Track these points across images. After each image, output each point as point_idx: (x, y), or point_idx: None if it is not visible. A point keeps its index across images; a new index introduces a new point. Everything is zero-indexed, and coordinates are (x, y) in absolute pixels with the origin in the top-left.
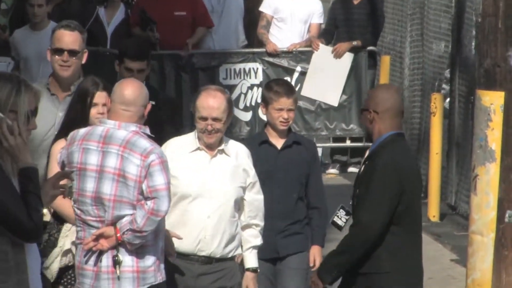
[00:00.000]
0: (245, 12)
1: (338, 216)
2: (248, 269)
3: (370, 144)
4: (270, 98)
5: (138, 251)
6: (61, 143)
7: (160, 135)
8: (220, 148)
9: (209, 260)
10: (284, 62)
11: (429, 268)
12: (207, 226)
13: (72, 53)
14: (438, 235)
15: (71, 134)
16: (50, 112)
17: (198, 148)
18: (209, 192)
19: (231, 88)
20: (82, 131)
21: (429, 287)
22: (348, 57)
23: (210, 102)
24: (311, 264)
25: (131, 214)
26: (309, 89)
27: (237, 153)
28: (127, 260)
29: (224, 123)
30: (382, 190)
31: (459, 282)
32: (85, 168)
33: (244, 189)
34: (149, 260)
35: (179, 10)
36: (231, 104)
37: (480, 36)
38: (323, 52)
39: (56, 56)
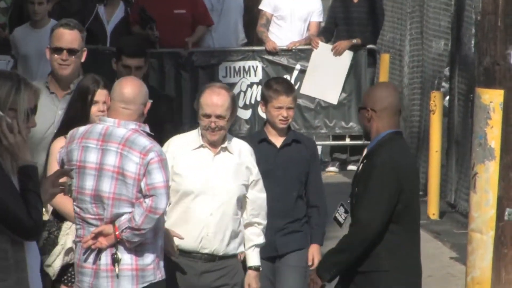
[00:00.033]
0: (244, 10)
1: (338, 213)
2: (250, 268)
3: (369, 142)
4: (269, 96)
5: (137, 249)
6: (61, 141)
7: (160, 133)
8: (223, 145)
9: (212, 257)
10: (283, 60)
11: (429, 266)
12: (209, 223)
13: (72, 52)
14: (438, 233)
15: (70, 132)
16: (50, 110)
17: (201, 146)
18: (212, 189)
19: (231, 86)
20: (82, 129)
21: (428, 285)
22: (347, 55)
23: (214, 100)
24: (310, 263)
25: (130, 212)
26: (308, 87)
27: (240, 151)
28: (126, 258)
29: (228, 121)
30: (381, 189)
31: (459, 280)
32: (85, 166)
33: (247, 187)
34: (148, 258)
35: (179, 8)
36: (235, 102)
37: (480, 34)
38: (322, 50)
39: (55, 55)
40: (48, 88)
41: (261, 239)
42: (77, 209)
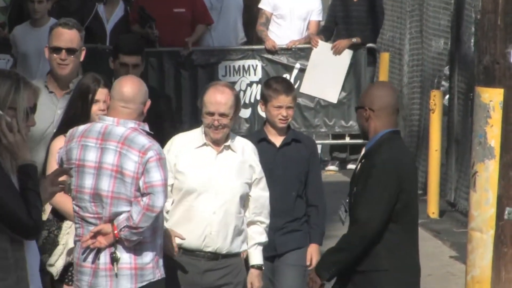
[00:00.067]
0: (244, 9)
1: (341, 211)
2: (253, 266)
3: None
4: (269, 95)
5: (136, 248)
6: (60, 139)
7: (158, 132)
8: (227, 144)
9: (215, 256)
10: (283, 59)
11: (428, 264)
12: (212, 222)
13: (70, 51)
14: (438, 231)
15: (70, 131)
16: (49, 110)
17: (205, 144)
18: (215, 188)
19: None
20: (81, 128)
21: (428, 284)
22: (347, 54)
23: (217, 98)
24: (308, 263)
25: (128, 211)
26: (308, 86)
27: (244, 149)
28: (125, 257)
29: (231, 119)
30: (381, 188)
31: (458, 279)
32: (84, 164)
33: (250, 185)
34: (147, 257)
35: (178, 7)
36: (239, 100)
37: (479, 33)
38: (322, 49)
39: (54, 55)
40: (47, 88)
41: (263, 238)
42: (76, 208)
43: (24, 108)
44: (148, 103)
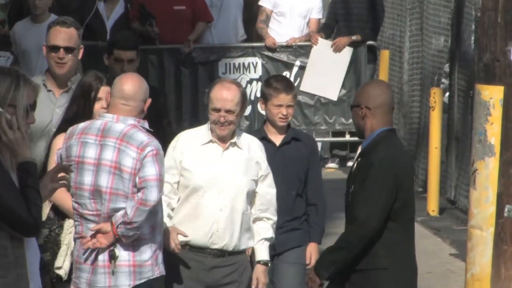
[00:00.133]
0: (244, 7)
1: None
2: (259, 262)
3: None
4: (269, 94)
5: (135, 245)
6: (62, 137)
7: (160, 130)
8: (233, 141)
9: (221, 253)
10: (283, 57)
11: (428, 262)
12: (219, 219)
13: (68, 50)
14: (438, 229)
15: (70, 129)
16: (47, 108)
17: (211, 141)
18: (221, 185)
19: None
20: (81, 125)
21: (428, 281)
22: (347, 52)
23: (224, 94)
24: (307, 262)
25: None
26: (308, 84)
27: (250, 146)
28: (124, 254)
29: (237, 116)
30: (379, 187)
31: (458, 276)
32: (83, 161)
33: (256, 182)
34: (146, 254)
35: (179, 4)
36: (245, 97)
37: (480, 31)
38: (322, 46)
39: (52, 53)
40: (45, 86)
41: (270, 233)
42: (75, 205)
43: (24, 105)
44: (149, 101)
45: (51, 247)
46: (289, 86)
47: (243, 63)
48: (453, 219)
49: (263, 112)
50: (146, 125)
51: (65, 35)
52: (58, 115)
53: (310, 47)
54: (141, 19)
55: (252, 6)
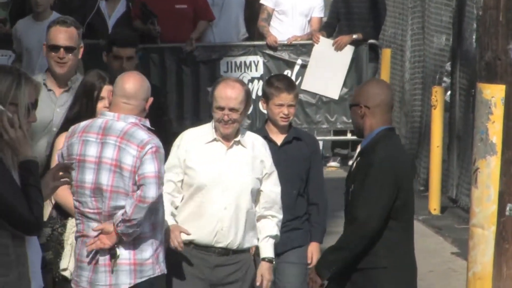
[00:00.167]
0: (245, 5)
1: None
2: (263, 259)
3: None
4: (270, 93)
5: (135, 244)
6: (64, 136)
7: (161, 129)
8: (236, 139)
9: (226, 251)
10: (285, 55)
11: (430, 261)
12: (223, 217)
13: (69, 49)
14: (439, 228)
15: (72, 127)
16: (48, 107)
17: (215, 139)
18: (225, 183)
19: None
20: (83, 124)
21: (429, 280)
22: (349, 50)
23: (228, 93)
24: (309, 261)
25: None
26: (309, 83)
27: (254, 144)
28: (124, 252)
29: (241, 114)
30: (379, 186)
31: (460, 275)
32: (84, 159)
33: (260, 180)
34: (147, 252)
35: (180, 3)
36: (249, 95)
37: (481, 29)
38: (323, 45)
39: (52, 53)
40: (46, 85)
41: (275, 231)
42: (77, 203)
43: (26, 104)
44: (150, 99)
45: (53, 246)
46: (290, 86)
47: (245, 62)
48: (454, 218)
49: (265, 111)
50: (148, 123)
51: (65, 34)
52: (59, 114)
53: (311, 45)
54: (142, 17)
55: (253, 4)
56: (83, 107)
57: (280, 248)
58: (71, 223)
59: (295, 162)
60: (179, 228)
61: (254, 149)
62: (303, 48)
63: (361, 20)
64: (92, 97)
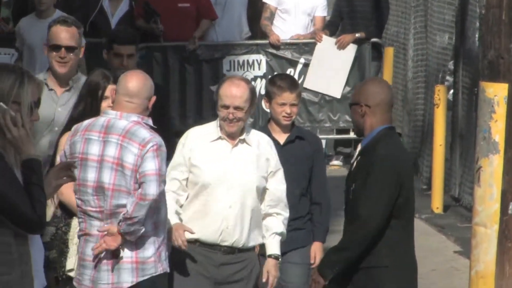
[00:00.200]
0: (248, 4)
1: None
2: (270, 256)
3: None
4: (273, 92)
5: (138, 242)
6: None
7: (164, 128)
8: (242, 137)
9: (231, 250)
10: (287, 54)
11: (433, 259)
12: (228, 216)
13: (70, 49)
14: (442, 226)
15: (75, 126)
16: (49, 107)
17: (220, 138)
18: (230, 181)
19: None
20: (85, 122)
21: (432, 279)
22: (351, 49)
23: (233, 91)
24: (312, 261)
25: None
26: (312, 82)
27: (259, 142)
28: (126, 251)
29: (246, 113)
30: (380, 185)
31: (463, 273)
32: (87, 158)
33: (266, 178)
34: (149, 251)
35: (183, 2)
36: (254, 94)
37: (484, 28)
38: (326, 43)
39: (54, 53)
40: (47, 85)
41: (281, 228)
42: (79, 202)
43: (28, 102)
44: (153, 98)
45: (57, 245)
46: (293, 85)
47: (247, 60)
48: (457, 217)
49: (268, 110)
50: (150, 122)
51: (66, 34)
52: (60, 113)
53: (314, 44)
54: (145, 16)
55: (256, 3)
56: (88, 106)
57: (283, 248)
58: (75, 222)
59: (298, 161)
60: (183, 226)
61: (260, 147)
62: (306, 47)
63: (364, 19)
64: (97, 96)
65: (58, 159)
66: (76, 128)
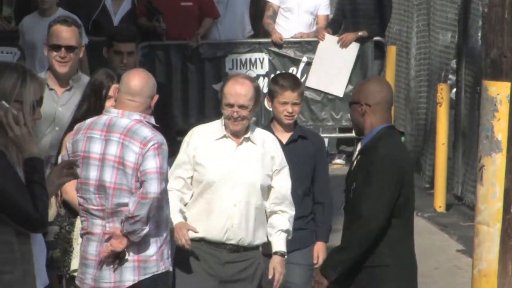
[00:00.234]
0: (251, 2)
1: None
2: (275, 253)
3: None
4: (275, 91)
5: (139, 241)
6: None
7: (167, 127)
8: (246, 136)
9: (237, 248)
10: (290, 52)
11: (435, 258)
12: (233, 214)
13: (70, 49)
14: (444, 225)
15: (78, 125)
16: (49, 107)
17: (224, 136)
18: (235, 180)
19: None
20: (88, 121)
21: (435, 277)
22: (354, 47)
23: (237, 89)
24: (315, 261)
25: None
26: (314, 80)
27: (264, 141)
28: (128, 249)
29: (251, 111)
30: (382, 183)
31: (465, 272)
32: (89, 156)
33: (271, 176)
34: (151, 249)
35: (186, 0)
36: (259, 92)
37: (487, 26)
38: (329, 42)
39: (54, 52)
40: (47, 85)
41: (286, 225)
42: (81, 200)
43: (31, 101)
44: (156, 97)
45: (61, 244)
46: (295, 84)
47: (250, 59)
48: (460, 215)
49: (270, 109)
50: (152, 120)
51: (66, 34)
52: (61, 113)
53: (317, 43)
54: (148, 15)
55: (259, 1)
56: (91, 106)
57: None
58: (79, 222)
59: (301, 160)
60: (187, 225)
61: (264, 146)
62: (309, 46)
63: (366, 17)
64: (101, 96)
65: (59, 159)
66: (79, 127)
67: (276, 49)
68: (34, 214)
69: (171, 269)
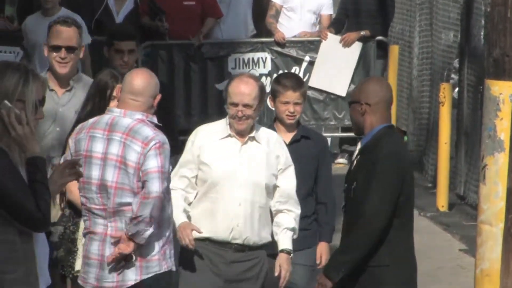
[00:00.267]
0: (254, 2)
1: None
2: (282, 251)
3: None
4: (277, 91)
5: None
6: None
7: (169, 126)
8: (251, 135)
9: (242, 248)
10: (292, 52)
11: (438, 258)
12: (238, 214)
13: (70, 49)
14: (447, 225)
15: (81, 124)
16: (50, 108)
17: (229, 135)
18: (240, 179)
19: None
20: (91, 120)
21: (438, 277)
22: (356, 47)
23: (241, 88)
24: (318, 261)
25: (131, 202)
26: (317, 79)
27: (269, 140)
28: None
29: (255, 110)
30: (385, 182)
31: (468, 272)
32: (91, 155)
33: (276, 176)
34: (153, 249)
35: (188, 0)
36: (264, 91)
37: (489, 26)
38: (331, 41)
39: (54, 53)
40: (48, 85)
41: (292, 224)
42: (83, 200)
43: (33, 100)
44: (159, 96)
45: (65, 244)
46: (297, 84)
47: (253, 58)
48: (462, 215)
49: (273, 108)
50: (155, 119)
51: (66, 34)
52: (61, 114)
53: (319, 42)
54: (150, 14)
55: (261, 1)
56: (96, 106)
57: None
58: (83, 223)
59: (304, 160)
60: (191, 225)
61: (269, 145)
62: (311, 45)
63: (369, 17)
64: (105, 96)
65: (62, 159)
66: (82, 126)
67: (278, 49)
68: (36, 213)
69: (174, 268)
